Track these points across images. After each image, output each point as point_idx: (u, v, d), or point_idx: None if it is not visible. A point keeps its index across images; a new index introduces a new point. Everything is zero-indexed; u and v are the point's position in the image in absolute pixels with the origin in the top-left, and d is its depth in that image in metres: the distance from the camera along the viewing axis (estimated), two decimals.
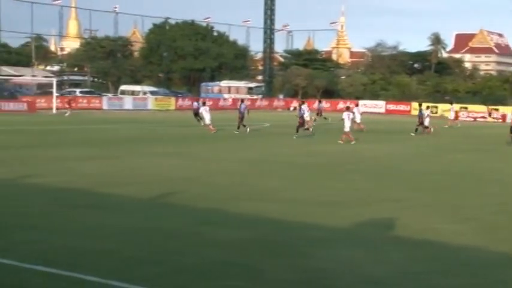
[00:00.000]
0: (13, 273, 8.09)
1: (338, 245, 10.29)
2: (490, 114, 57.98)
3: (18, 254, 8.88)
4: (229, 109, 60.42)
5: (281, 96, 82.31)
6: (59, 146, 24.88)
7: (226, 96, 75.02)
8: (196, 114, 40.22)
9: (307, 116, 34.74)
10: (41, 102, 57.73)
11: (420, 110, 37.11)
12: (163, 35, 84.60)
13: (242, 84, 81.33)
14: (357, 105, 43.53)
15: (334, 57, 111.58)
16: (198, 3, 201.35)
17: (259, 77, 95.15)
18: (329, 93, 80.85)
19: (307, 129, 33.62)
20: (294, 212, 12.72)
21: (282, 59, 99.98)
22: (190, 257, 9.13)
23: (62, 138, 28.84)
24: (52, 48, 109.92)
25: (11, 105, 52.88)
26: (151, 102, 64.23)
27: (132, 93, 71.08)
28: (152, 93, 68.82)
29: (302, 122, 32.83)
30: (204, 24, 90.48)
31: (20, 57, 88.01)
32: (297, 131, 31.55)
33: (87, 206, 12.70)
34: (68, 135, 30.76)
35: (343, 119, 29.81)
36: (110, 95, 69.10)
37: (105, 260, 8.86)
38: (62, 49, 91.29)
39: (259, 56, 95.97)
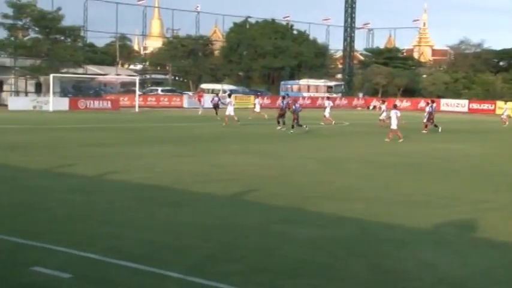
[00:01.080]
0: (96, 267, 8.29)
1: (417, 246, 10.05)
2: None
3: (101, 248, 9.10)
4: (308, 107, 60.24)
5: (361, 95, 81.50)
6: (141, 144, 25.46)
7: (305, 94, 74.92)
8: (216, 107, 40.98)
9: (385, 116, 35.06)
10: (124, 100, 59.35)
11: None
12: (244, 34, 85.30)
13: (321, 82, 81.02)
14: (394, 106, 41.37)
15: (415, 55, 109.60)
16: (278, 1, 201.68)
17: (339, 76, 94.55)
18: (410, 92, 79.48)
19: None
20: (373, 211, 12.54)
21: (362, 58, 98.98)
22: (270, 256, 9.12)
23: (143, 136, 29.49)
24: (135, 47, 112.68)
25: (95, 103, 54.59)
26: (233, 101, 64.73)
27: (212, 91, 72.00)
28: (232, 91, 69.48)
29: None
30: (284, 22, 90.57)
31: (104, 57, 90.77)
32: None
33: (167, 203, 12.90)
34: (149, 133, 31.45)
35: (390, 117, 30.52)
36: (190, 93, 70.22)
37: (185, 256, 8.96)
38: (144, 48, 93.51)
39: (339, 54, 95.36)
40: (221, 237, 10.15)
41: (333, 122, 39.99)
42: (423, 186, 15.96)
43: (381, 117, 38.69)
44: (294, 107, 34.23)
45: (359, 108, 71.60)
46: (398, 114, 30.44)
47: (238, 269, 8.44)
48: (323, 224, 11.36)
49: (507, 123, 44.54)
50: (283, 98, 39.39)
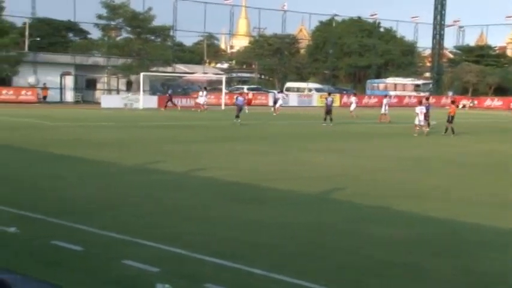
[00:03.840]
0: (183, 262, 8.48)
1: (506, 248, 9.76)
2: None
3: (187, 244, 9.29)
4: (394, 106, 59.31)
5: (450, 94, 79.45)
6: (225, 141, 25.78)
7: (391, 93, 73.79)
8: (240, 109, 38.12)
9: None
10: (211, 98, 60.23)
11: None
12: (330, 32, 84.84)
13: (409, 81, 79.56)
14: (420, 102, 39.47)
15: (508, 52, 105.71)
16: None
17: (427, 74, 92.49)
18: (502, 90, 76.92)
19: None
20: (459, 211, 12.24)
21: (451, 55, 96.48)
22: (354, 255, 9.08)
23: (228, 134, 29.86)
24: (222, 46, 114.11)
25: (183, 101, 55.65)
26: (316, 99, 64.67)
27: (297, 90, 72.04)
28: (317, 90, 69.29)
29: None
30: (371, 20, 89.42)
31: (192, 55, 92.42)
32: None
33: (250, 200, 13.01)
34: (234, 131, 31.80)
35: (417, 113, 31.35)
36: (275, 91, 70.46)
37: (269, 253, 9.03)
38: (231, 47, 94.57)
39: (428, 52, 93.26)
40: (304, 235, 10.16)
41: (387, 120, 40.54)
42: (508, 186, 15.47)
43: (351, 109, 42.36)
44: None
45: (448, 107, 69.94)
46: (424, 110, 31.31)
47: (322, 267, 8.44)
48: (406, 223, 11.19)
49: None
50: (329, 95, 40.92)
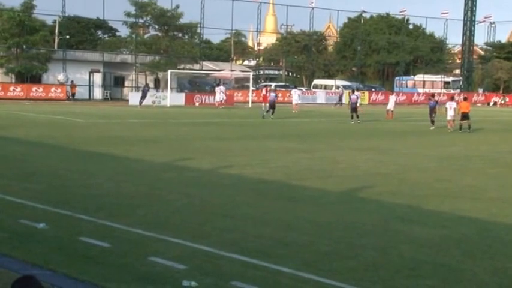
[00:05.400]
0: (211, 259, 8.40)
1: None
2: None
3: (216, 241, 9.23)
4: (422, 103, 58.75)
5: (480, 91, 78.55)
6: (255, 138, 25.72)
7: (420, 90, 73.15)
8: (273, 107, 38.35)
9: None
10: (238, 95, 60.22)
11: None
12: (358, 29, 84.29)
13: (438, 78, 78.74)
14: (433, 95, 39.45)
15: None
16: None
17: (457, 71, 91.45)
18: None
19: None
20: (497, 212, 11.99)
21: (481, 52, 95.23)
22: (385, 254, 8.92)
23: (257, 131, 29.79)
24: (249, 43, 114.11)
25: (211, 99, 55.72)
26: (344, 97, 64.30)
27: (325, 87, 71.71)
28: (345, 87, 68.90)
29: None
30: (400, 17, 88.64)
31: (220, 53, 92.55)
32: None
33: (282, 198, 12.91)
34: (263, 128, 31.72)
35: (446, 108, 32.32)
36: (303, 89, 70.28)
37: (299, 252, 8.92)
38: (258, 44, 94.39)
39: (457, 49, 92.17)
40: (336, 234, 10.03)
41: (391, 117, 40.27)
42: None
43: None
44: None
45: (478, 105, 69.03)
46: (453, 106, 32.25)
47: (352, 266, 8.31)
48: (441, 223, 10.98)
49: None
50: (353, 92, 40.71)
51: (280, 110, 40.64)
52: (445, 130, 31.46)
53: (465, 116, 31.37)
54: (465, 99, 35.40)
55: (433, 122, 33.31)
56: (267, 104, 40.64)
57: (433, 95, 39.10)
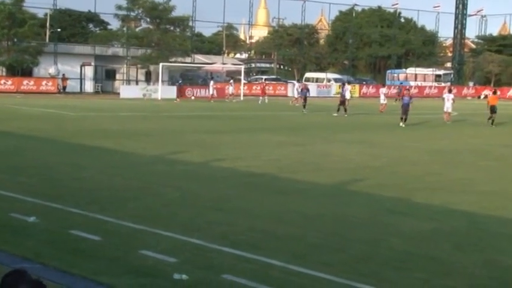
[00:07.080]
0: (202, 252, 8.42)
1: None
2: None
3: (207, 234, 9.23)
4: (414, 97, 58.73)
5: (471, 84, 78.68)
6: (247, 132, 25.71)
7: (412, 83, 73.23)
8: (305, 99, 41.08)
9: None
10: (228, 89, 60.06)
11: None
12: (349, 22, 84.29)
13: (429, 71, 78.87)
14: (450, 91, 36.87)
15: None
16: None
17: (448, 64, 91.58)
18: None
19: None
20: (487, 205, 12.05)
21: (473, 45, 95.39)
22: (376, 246, 8.96)
23: (249, 124, 29.77)
24: (241, 36, 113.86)
25: (202, 92, 55.61)
26: (335, 90, 64.35)
27: (317, 80, 71.69)
28: (336, 80, 68.90)
29: None
30: (391, 10, 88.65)
31: (211, 46, 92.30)
32: None
33: (274, 191, 12.93)
34: (255, 121, 31.71)
35: (443, 98, 33.67)
36: (294, 82, 70.23)
37: (290, 244, 8.94)
38: (250, 37, 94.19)
39: (449, 42, 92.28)
40: (327, 226, 10.06)
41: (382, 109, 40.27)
42: None
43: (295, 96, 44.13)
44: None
45: (469, 98, 69.23)
46: (452, 97, 32.95)
47: (343, 259, 8.34)
48: (431, 216, 11.04)
49: None
50: (343, 85, 40.95)
51: (272, 103, 40.59)
52: (437, 123, 31.53)
53: (493, 110, 31.32)
54: (495, 92, 35.15)
55: (402, 119, 30.02)
56: (265, 97, 43.53)
57: (407, 88, 38.38)
